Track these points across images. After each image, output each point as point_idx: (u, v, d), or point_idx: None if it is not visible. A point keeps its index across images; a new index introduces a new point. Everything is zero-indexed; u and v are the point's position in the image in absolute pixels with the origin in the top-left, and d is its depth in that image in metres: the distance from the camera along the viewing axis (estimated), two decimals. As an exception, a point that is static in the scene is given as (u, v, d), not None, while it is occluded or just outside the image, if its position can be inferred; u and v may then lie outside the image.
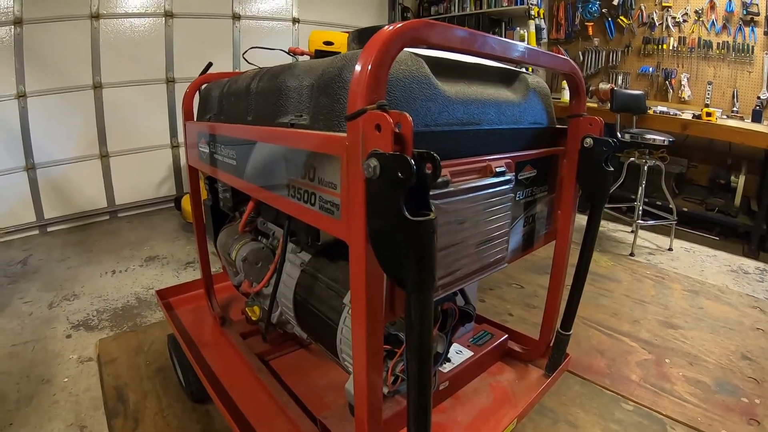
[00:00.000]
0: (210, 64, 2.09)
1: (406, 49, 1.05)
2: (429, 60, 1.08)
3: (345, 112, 0.82)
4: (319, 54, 1.53)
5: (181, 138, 5.07)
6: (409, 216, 0.72)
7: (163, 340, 2.48)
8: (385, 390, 1.21)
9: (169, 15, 4.83)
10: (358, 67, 0.78)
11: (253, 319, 1.76)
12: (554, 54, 1.30)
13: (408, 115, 0.74)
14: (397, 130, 0.74)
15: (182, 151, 5.15)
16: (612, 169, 1.41)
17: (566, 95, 5.24)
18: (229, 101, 1.61)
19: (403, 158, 0.71)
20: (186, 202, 4.40)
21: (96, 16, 4.44)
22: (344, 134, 0.84)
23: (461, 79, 1.21)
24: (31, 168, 4.36)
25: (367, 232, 0.81)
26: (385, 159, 0.73)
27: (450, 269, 1.03)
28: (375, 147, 0.76)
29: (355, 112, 0.78)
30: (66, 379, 2.31)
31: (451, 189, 0.97)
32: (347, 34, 1.47)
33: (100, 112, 4.67)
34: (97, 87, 4.59)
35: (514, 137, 1.33)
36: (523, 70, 1.49)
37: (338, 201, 0.91)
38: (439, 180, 0.93)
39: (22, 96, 4.18)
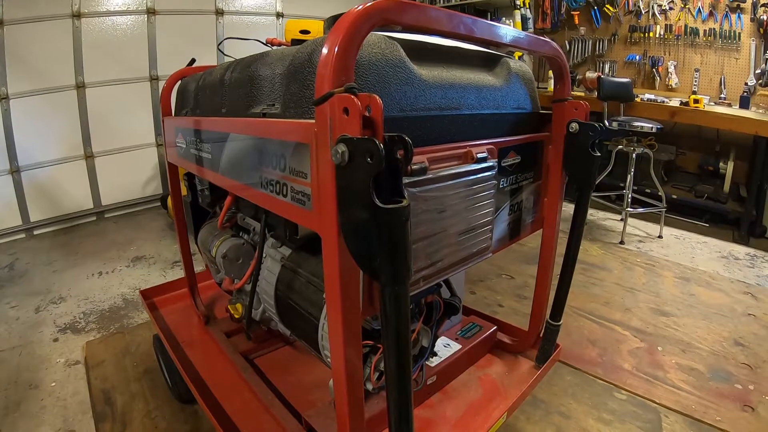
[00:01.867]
0: (193, 61, 2.05)
1: (381, 33, 1.02)
2: (404, 43, 1.05)
3: (314, 98, 0.78)
4: (295, 43, 1.50)
5: (165, 137, 5.02)
6: (379, 203, 0.69)
7: (150, 341, 2.45)
8: (370, 387, 1.18)
9: (151, 12, 4.78)
10: (325, 50, 0.75)
11: (236, 316, 1.74)
12: (535, 36, 1.27)
13: (377, 97, 0.71)
14: (366, 114, 0.71)
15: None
16: (599, 154, 1.38)
17: (553, 84, 5.22)
18: (204, 94, 1.57)
19: (371, 142, 0.67)
20: (172, 201, 4.36)
21: (77, 15, 4.38)
22: (313, 121, 0.81)
23: (439, 63, 1.17)
24: (15, 171, 4.30)
25: (339, 222, 0.77)
26: (354, 144, 0.70)
27: (432, 260, 1.00)
28: (343, 132, 0.72)
29: (322, 96, 0.75)
30: (53, 384, 2.28)
31: (430, 176, 0.94)
32: (323, 22, 1.43)
33: (84, 113, 4.61)
34: (80, 87, 4.53)
35: (496, 123, 1.30)
36: (505, 55, 1.45)
37: (309, 191, 0.87)
38: (417, 167, 0.89)
39: (4, 98, 4.12)
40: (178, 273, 3.45)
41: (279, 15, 5.64)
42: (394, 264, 0.72)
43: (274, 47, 1.54)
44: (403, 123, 1.00)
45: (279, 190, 0.97)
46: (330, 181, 0.77)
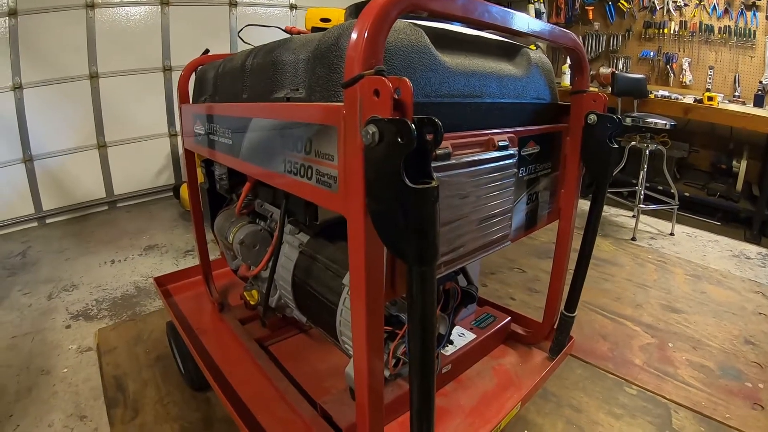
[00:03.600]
0: (207, 51, 2.05)
1: (404, 19, 1.03)
2: (428, 30, 1.05)
3: (342, 81, 0.78)
4: (315, 31, 1.50)
5: (178, 126, 5.04)
6: (410, 183, 0.69)
7: (162, 328, 2.46)
8: (387, 373, 1.18)
9: (164, 3, 4.78)
10: (354, 33, 0.75)
11: (252, 303, 1.75)
12: (556, 27, 1.27)
13: (407, 80, 0.71)
14: (396, 96, 0.71)
15: (180, 139, 5.12)
16: (616, 146, 1.38)
17: (567, 79, 5.20)
18: (224, 80, 1.58)
19: (403, 122, 0.68)
20: (185, 191, 4.37)
21: (91, 6, 4.39)
22: (341, 104, 0.81)
23: (461, 51, 1.17)
24: (28, 160, 4.33)
25: (366, 202, 0.78)
26: (385, 125, 0.70)
27: (453, 245, 1.01)
28: (373, 113, 0.73)
29: (352, 78, 0.75)
30: (65, 370, 2.30)
31: (453, 162, 0.94)
32: (344, 10, 1.44)
33: (97, 102, 4.63)
34: (94, 77, 4.55)
35: (517, 112, 1.30)
36: (524, 45, 1.45)
37: (335, 173, 0.88)
38: (441, 152, 0.90)
39: (18, 88, 4.14)
40: (191, 262, 3.48)
41: (292, 6, 5.63)
42: (421, 244, 0.73)
43: (294, 35, 1.55)
44: (427, 109, 0.99)
45: (304, 173, 0.98)
46: (358, 162, 0.77)
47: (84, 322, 2.72)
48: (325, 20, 1.76)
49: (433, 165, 0.75)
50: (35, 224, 4.47)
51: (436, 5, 0.84)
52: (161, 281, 2.30)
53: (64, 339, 2.56)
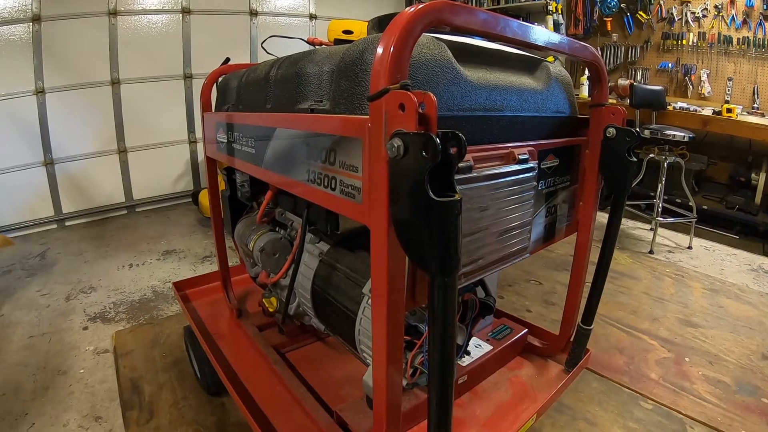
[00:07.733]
0: (227, 60, 2.08)
1: (427, 34, 1.04)
2: (450, 45, 1.06)
3: (367, 94, 0.80)
4: (338, 43, 1.51)
5: (198, 134, 5.11)
6: (434, 196, 0.70)
7: (179, 332, 2.49)
8: (404, 382, 1.19)
9: (186, 11, 4.86)
10: (380, 48, 0.77)
11: (270, 310, 1.76)
12: (576, 41, 1.28)
13: (432, 94, 0.73)
14: (420, 110, 0.72)
15: (200, 146, 5.19)
16: (635, 159, 1.38)
17: (585, 91, 5.18)
18: (247, 90, 1.60)
19: (428, 137, 0.69)
20: (203, 197, 4.42)
21: (114, 13, 4.48)
22: (366, 116, 0.83)
23: (483, 65, 1.19)
24: (49, 163, 4.41)
25: (390, 214, 0.79)
26: (410, 138, 0.72)
27: (472, 257, 1.01)
28: (398, 127, 0.74)
29: (378, 92, 0.76)
30: (82, 371, 2.33)
31: (474, 174, 0.95)
32: (366, 23, 1.45)
33: (118, 108, 4.71)
34: (115, 83, 4.64)
35: (537, 125, 1.31)
36: (543, 58, 1.46)
37: (359, 184, 0.89)
38: (463, 165, 0.91)
39: (40, 92, 4.23)
40: (208, 268, 3.51)
41: (312, 16, 5.70)
42: (444, 255, 0.74)
43: (317, 46, 1.57)
44: (449, 122, 1.01)
45: (327, 183, 0.99)
46: (383, 174, 0.79)
47: (101, 324, 2.76)
48: (347, 32, 1.79)
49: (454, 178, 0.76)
50: (54, 226, 4.55)
51: (459, 20, 0.85)
52: (180, 286, 2.32)
53: (81, 340, 2.59)
